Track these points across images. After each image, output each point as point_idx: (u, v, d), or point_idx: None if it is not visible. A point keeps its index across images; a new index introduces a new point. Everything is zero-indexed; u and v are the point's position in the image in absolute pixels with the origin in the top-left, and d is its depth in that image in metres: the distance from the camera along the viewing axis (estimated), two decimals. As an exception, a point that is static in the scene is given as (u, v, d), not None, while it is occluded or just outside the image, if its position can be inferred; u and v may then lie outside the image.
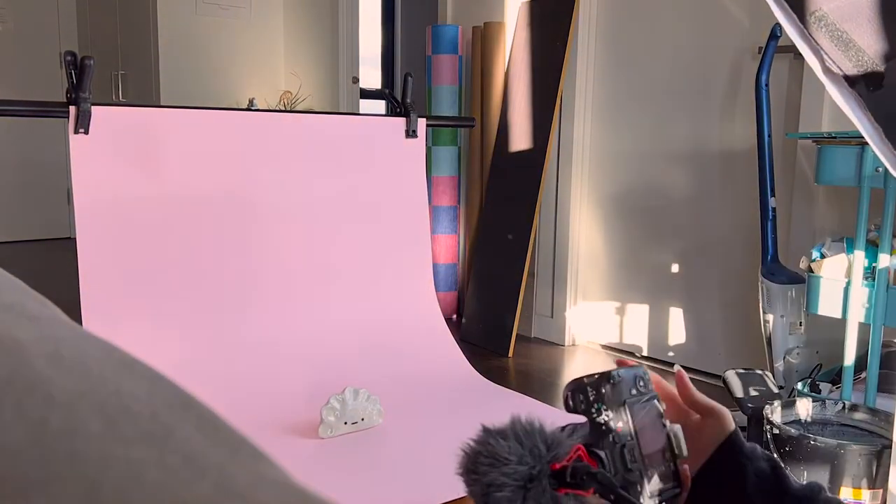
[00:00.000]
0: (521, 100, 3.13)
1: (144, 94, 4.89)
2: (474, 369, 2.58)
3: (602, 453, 0.67)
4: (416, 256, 2.72)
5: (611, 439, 0.67)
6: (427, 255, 2.76)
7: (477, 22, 3.39)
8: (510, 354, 2.94)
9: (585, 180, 3.10)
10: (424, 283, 2.72)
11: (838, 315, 1.96)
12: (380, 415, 2.10)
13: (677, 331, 2.81)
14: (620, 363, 0.72)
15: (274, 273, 2.42)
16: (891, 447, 1.60)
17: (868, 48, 0.65)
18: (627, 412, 0.69)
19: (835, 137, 1.97)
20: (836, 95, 0.69)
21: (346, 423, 2.04)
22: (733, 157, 2.59)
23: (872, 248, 1.92)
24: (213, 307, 2.30)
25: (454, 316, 3.44)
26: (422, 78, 3.45)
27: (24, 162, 5.47)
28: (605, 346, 3.06)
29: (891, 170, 0.70)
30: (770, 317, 2.21)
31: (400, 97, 2.72)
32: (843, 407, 1.84)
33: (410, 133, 2.69)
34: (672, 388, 0.79)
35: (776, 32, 2.24)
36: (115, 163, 2.15)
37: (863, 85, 0.67)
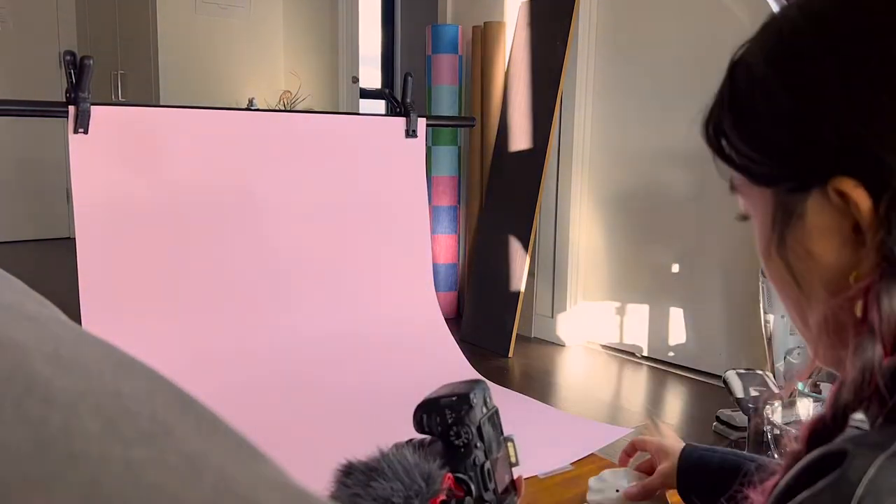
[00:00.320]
0: (522, 99, 3.13)
1: (144, 93, 4.89)
2: (474, 369, 2.58)
3: (465, 477, 0.68)
4: (416, 256, 2.72)
5: (472, 461, 0.68)
6: (427, 255, 2.76)
7: (477, 21, 3.39)
8: (510, 354, 2.94)
9: (586, 180, 3.10)
10: (424, 283, 2.72)
11: (838, 315, 1.96)
12: None
13: (677, 331, 2.81)
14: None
15: (273, 273, 2.42)
16: (891, 447, 1.60)
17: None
18: (483, 431, 0.70)
19: (835, 137, 1.97)
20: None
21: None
22: (733, 157, 2.59)
23: (873, 248, 1.91)
24: (212, 307, 2.30)
25: (454, 316, 3.44)
26: (422, 78, 3.45)
27: (23, 162, 5.47)
28: (605, 346, 3.06)
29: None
30: (771, 317, 2.21)
31: (400, 97, 2.72)
32: (844, 407, 1.83)
33: (410, 133, 2.69)
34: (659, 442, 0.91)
35: (776, 32, 2.23)
36: (114, 162, 2.15)
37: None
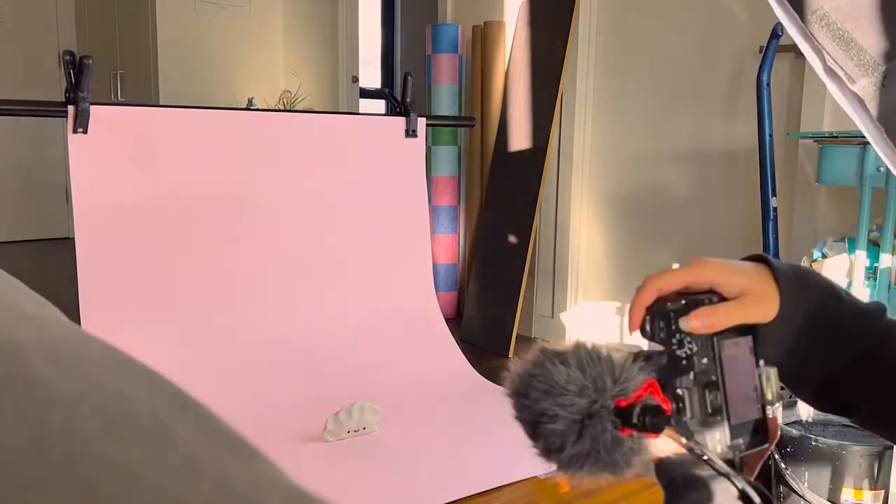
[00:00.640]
0: (522, 99, 3.13)
1: (143, 93, 4.89)
2: (474, 369, 2.58)
3: (680, 392, 0.57)
4: (416, 256, 2.71)
5: (692, 377, 0.58)
6: (427, 255, 2.76)
7: (477, 21, 3.39)
8: (510, 354, 2.94)
9: (586, 180, 3.10)
10: (424, 283, 2.72)
11: (839, 315, 1.96)
12: (378, 425, 2.08)
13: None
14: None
15: (272, 273, 2.42)
16: (892, 448, 1.60)
17: (870, 48, 0.65)
18: (716, 347, 0.59)
19: (836, 137, 1.97)
20: (838, 95, 0.69)
21: (348, 431, 2.04)
22: (734, 157, 2.59)
23: (874, 248, 1.92)
24: (211, 306, 2.30)
25: (454, 316, 3.44)
26: (422, 77, 3.45)
27: (22, 161, 5.47)
28: (605, 346, 3.06)
29: (892, 169, 0.70)
30: (770, 317, 2.21)
31: (400, 97, 2.72)
32: (844, 407, 1.84)
33: (410, 133, 2.69)
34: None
35: (777, 32, 2.24)
36: (113, 162, 2.15)
37: (864, 84, 0.67)
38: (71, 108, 2.05)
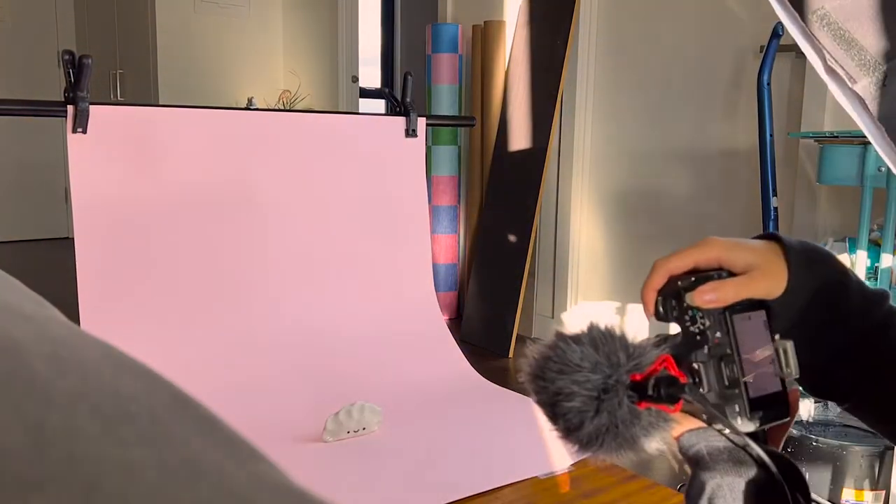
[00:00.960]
0: (522, 99, 3.13)
1: (143, 93, 4.89)
2: (474, 369, 2.58)
3: (696, 366, 0.58)
4: (416, 256, 2.71)
5: (706, 351, 0.58)
6: (427, 255, 2.76)
7: (477, 20, 3.39)
8: (510, 355, 2.94)
9: (586, 180, 3.10)
10: (424, 283, 2.72)
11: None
12: (378, 425, 2.08)
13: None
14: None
15: (272, 272, 2.42)
16: (893, 448, 1.59)
17: (870, 47, 0.65)
18: (729, 321, 0.59)
19: (837, 137, 1.97)
20: (839, 95, 0.69)
21: (348, 431, 2.04)
22: (735, 157, 2.59)
23: (875, 248, 1.92)
24: (211, 307, 2.30)
25: (454, 316, 3.44)
26: (422, 77, 3.45)
27: (21, 161, 5.47)
28: (605, 346, 3.07)
29: (893, 168, 0.70)
30: (770, 316, 2.21)
31: (399, 96, 2.71)
32: (844, 407, 1.84)
33: (410, 132, 2.68)
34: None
35: (778, 31, 2.24)
36: (113, 162, 2.15)
37: (865, 84, 0.67)
38: (70, 108, 2.05)
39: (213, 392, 2.01)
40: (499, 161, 3.23)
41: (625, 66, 2.93)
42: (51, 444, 0.17)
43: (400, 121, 2.68)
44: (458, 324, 3.24)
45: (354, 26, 4.66)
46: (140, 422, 0.19)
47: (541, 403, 0.56)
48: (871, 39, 0.65)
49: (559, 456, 1.83)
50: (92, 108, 2.07)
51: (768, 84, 2.27)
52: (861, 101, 0.68)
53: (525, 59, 3.14)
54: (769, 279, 0.61)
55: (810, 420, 1.82)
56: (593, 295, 3.11)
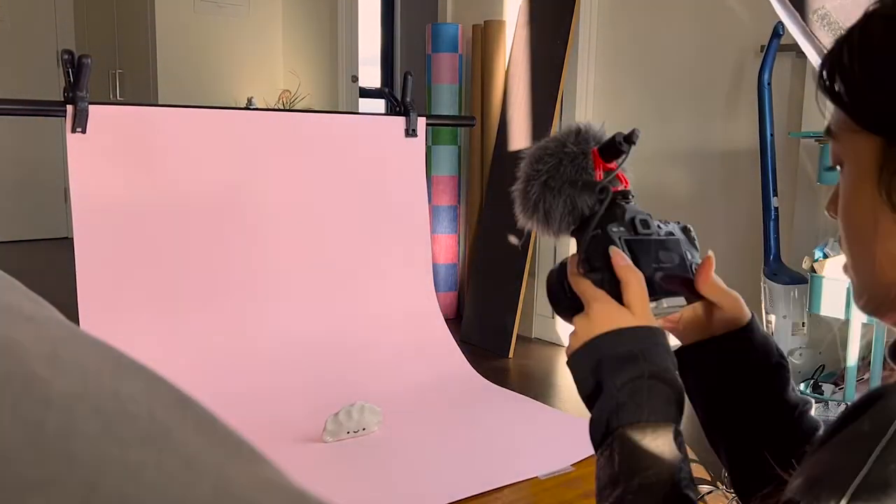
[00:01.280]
0: (522, 98, 3.13)
1: (142, 92, 4.89)
2: (474, 370, 2.58)
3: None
4: (416, 256, 2.71)
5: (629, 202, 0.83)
6: (427, 255, 2.75)
7: (477, 20, 3.39)
8: (510, 355, 2.94)
9: (585, 180, 3.10)
10: (424, 283, 2.72)
11: (841, 316, 1.96)
12: (378, 425, 2.08)
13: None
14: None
15: (272, 272, 2.42)
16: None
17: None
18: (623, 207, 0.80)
19: (835, 137, 1.97)
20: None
21: (348, 432, 2.04)
22: (735, 157, 2.59)
23: (873, 248, 1.91)
24: (211, 307, 2.30)
25: (454, 316, 3.44)
26: (421, 76, 3.45)
27: (21, 161, 5.46)
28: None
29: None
30: (772, 317, 2.21)
31: (399, 96, 2.71)
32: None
33: (410, 132, 2.68)
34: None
35: (778, 31, 2.23)
36: (112, 162, 2.14)
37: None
38: (69, 108, 2.05)
39: (212, 392, 2.00)
40: (499, 161, 3.23)
41: (625, 66, 2.93)
42: (50, 444, 0.17)
43: (400, 121, 2.68)
44: (458, 324, 3.24)
45: (354, 26, 4.66)
46: (139, 422, 0.19)
47: (523, 203, 0.74)
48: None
49: (559, 457, 1.83)
50: (91, 107, 2.07)
51: (769, 84, 2.27)
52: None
53: (525, 59, 3.14)
54: (735, 305, 0.77)
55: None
56: (593, 295, 3.11)
